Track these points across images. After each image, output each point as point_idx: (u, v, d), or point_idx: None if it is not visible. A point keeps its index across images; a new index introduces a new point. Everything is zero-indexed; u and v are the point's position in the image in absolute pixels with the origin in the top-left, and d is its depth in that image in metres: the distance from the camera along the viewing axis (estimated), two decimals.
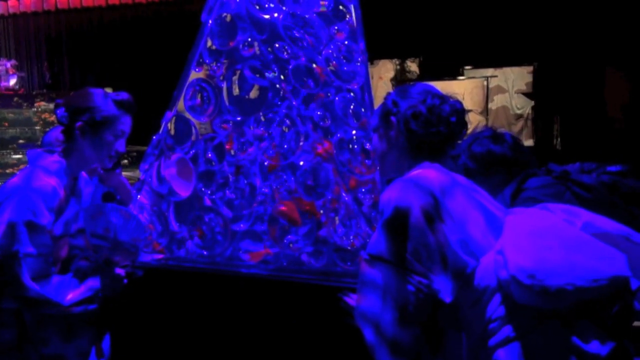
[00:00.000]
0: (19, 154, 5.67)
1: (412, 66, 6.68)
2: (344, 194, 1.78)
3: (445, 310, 1.22)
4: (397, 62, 6.68)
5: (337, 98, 1.85)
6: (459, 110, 1.36)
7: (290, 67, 1.87)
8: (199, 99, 2.00)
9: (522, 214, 1.31)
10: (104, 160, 1.78)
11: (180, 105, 2.03)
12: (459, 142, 1.45)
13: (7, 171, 5.62)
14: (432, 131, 1.33)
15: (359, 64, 1.93)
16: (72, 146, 1.76)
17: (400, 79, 6.63)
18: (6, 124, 5.79)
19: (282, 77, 1.90)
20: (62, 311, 1.63)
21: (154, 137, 2.03)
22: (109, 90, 1.83)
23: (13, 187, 1.63)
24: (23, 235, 1.57)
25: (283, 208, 1.78)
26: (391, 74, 6.72)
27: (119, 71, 7.18)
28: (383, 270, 1.25)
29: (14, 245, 1.56)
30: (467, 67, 6.50)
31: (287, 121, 1.86)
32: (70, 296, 1.65)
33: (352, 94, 1.92)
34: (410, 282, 1.20)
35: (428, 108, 1.33)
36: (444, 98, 1.36)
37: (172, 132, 2.03)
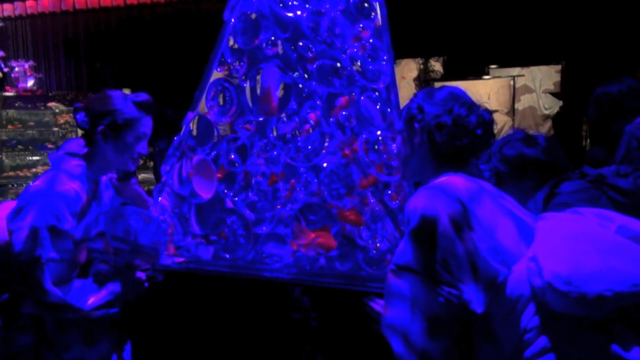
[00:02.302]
0: (37, 155, 5.77)
1: (436, 65, 6.64)
2: (369, 196, 1.77)
3: (477, 321, 1.21)
4: (421, 62, 6.65)
5: (362, 98, 1.84)
6: (487, 122, 1.35)
7: (315, 66, 1.88)
8: (220, 99, 2.01)
9: (554, 219, 1.31)
10: (127, 164, 1.81)
11: (202, 105, 2.04)
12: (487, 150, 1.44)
13: (20, 173, 5.71)
14: (456, 144, 1.33)
15: (384, 62, 1.92)
16: (94, 150, 1.78)
17: (423, 79, 6.59)
18: (21, 126, 5.91)
19: (305, 76, 1.90)
20: (83, 316, 1.66)
21: (175, 138, 2.05)
22: (127, 91, 1.85)
23: (36, 191, 1.65)
24: (46, 240, 1.60)
25: (320, 240, 1.78)
26: (414, 73, 6.69)
27: (138, 72, 7.27)
28: (411, 281, 1.25)
29: (37, 250, 1.59)
30: (492, 66, 6.43)
31: (312, 121, 1.86)
32: (92, 300, 1.67)
33: (377, 93, 1.91)
34: (440, 293, 1.20)
35: (453, 119, 1.33)
36: (471, 107, 1.35)
37: (194, 133, 2.05)
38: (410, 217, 1.27)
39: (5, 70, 6.76)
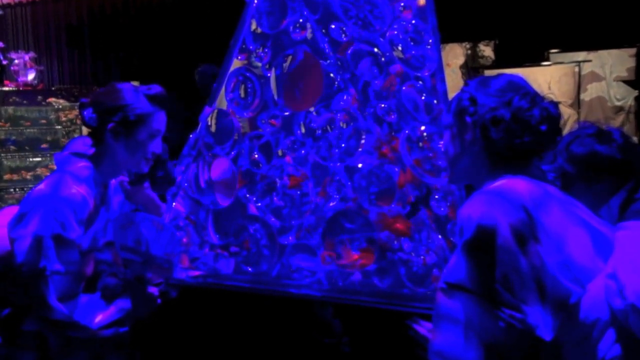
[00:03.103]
0: (38, 156, 5.91)
1: (486, 50, 6.58)
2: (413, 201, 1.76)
3: (544, 349, 1.19)
4: (468, 46, 6.61)
5: (403, 88, 1.83)
6: (552, 116, 1.32)
7: (349, 51, 1.86)
8: (242, 91, 2.02)
9: (636, 229, 1.28)
10: (139, 164, 1.83)
11: (221, 98, 2.06)
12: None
13: (16, 177, 5.81)
14: (516, 142, 1.30)
15: (429, 46, 1.90)
16: (103, 150, 1.81)
17: (471, 66, 6.55)
18: (30, 123, 6.04)
19: (339, 63, 1.89)
20: (90, 335, 1.68)
21: (191, 136, 2.07)
22: (136, 84, 1.88)
23: (40, 196, 1.68)
24: (50, 251, 1.62)
25: (363, 262, 1.78)
26: (461, 60, 6.65)
27: (149, 62, 7.39)
28: (464, 302, 1.23)
29: (41, 261, 1.61)
30: (553, 51, 6.34)
31: (345, 116, 1.86)
32: (99, 318, 1.70)
33: (421, 82, 1.89)
34: (500, 316, 1.17)
35: (513, 113, 1.30)
36: (534, 99, 1.32)
37: (212, 129, 2.06)
38: (463, 227, 1.25)
39: (5, 62, 6.99)
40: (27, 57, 6.81)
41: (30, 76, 6.74)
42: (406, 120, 1.83)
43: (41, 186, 1.72)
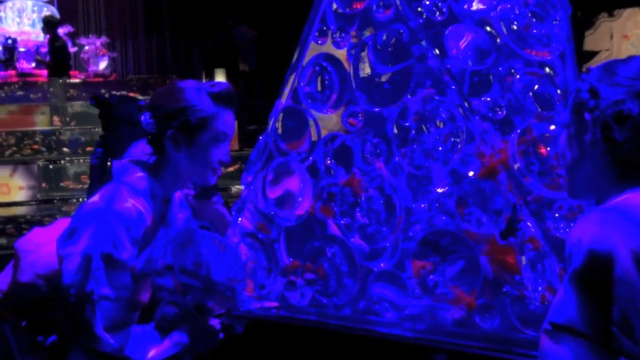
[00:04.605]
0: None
1: None
2: (528, 223, 1.75)
3: None
4: None
5: (517, 76, 1.84)
6: None
7: (447, 33, 1.89)
8: (319, 83, 2.10)
9: None
10: (205, 175, 1.98)
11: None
12: None
13: (71, 184, 6.20)
14: None
15: (556, 22, 1.90)
16: (163, 160, 1.97)
17: None
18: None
19: (436, 51, 1.90)
20: None
21: (261, 138, 2.18)
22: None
23: (92, 210, 1.87)
24: (100, 272, 1.79)
25: (465, 297, 1.81)
26: None
27: (235, 46, 7.64)
28: (574, 348, 1.23)
29: (89, 283, 1.78)
30: None
31: (442, 114, 1.87)
32: (153, 353, 1.85)
33: (547, 69, 1.90)
34: None
35: None
36: None
37: (283, 130, 2.16)
38: (572, 254, 1.26)
39: (73, 50, 7.58)
40: (98, 43, 7.35)
41: (102, 65, 7.27)
42: (522, 117, 1.84)
43: (95, 198, 1.91)
